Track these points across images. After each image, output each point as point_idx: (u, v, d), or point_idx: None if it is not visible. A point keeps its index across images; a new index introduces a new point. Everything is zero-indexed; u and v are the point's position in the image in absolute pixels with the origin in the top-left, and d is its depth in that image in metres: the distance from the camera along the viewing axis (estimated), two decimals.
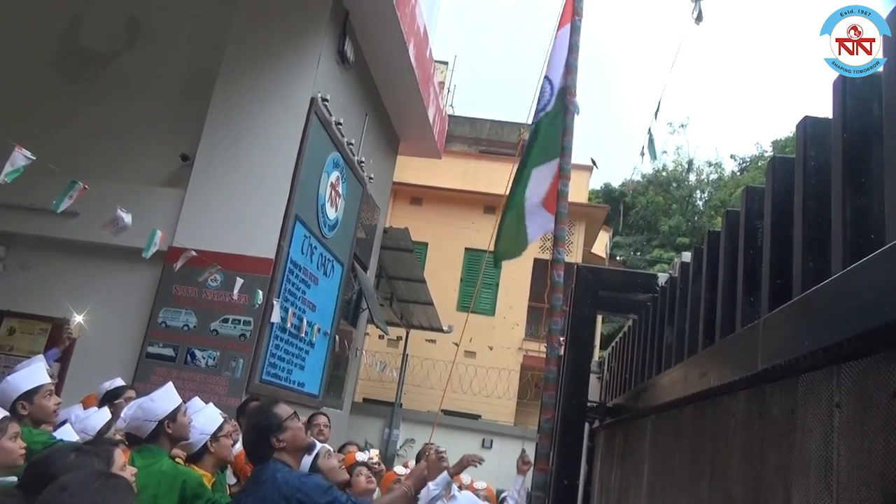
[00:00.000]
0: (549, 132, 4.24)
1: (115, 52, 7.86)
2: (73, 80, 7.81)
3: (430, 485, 4.19)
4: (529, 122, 4.57)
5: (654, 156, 5.02)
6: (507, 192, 4.43)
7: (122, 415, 3.73)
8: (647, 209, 27.93)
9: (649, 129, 4.86)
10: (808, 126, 1.21)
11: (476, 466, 4.15)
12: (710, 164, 30.73)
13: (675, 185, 29.56)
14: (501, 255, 4.54)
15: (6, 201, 6.70)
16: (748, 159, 30.19)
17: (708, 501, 1.54)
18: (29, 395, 3.42)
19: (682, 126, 32.65)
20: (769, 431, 1.21)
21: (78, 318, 5.70)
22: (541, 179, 4.23)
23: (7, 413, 3.14)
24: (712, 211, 26.84)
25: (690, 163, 30.45)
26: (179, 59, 7.68)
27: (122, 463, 2.43)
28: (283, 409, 2.93)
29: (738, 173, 29.60)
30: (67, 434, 3.47)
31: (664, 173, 29.66)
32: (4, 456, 2.76)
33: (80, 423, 3.79)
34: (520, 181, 4.31)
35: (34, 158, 3.25)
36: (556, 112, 4.23)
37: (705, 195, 29.97)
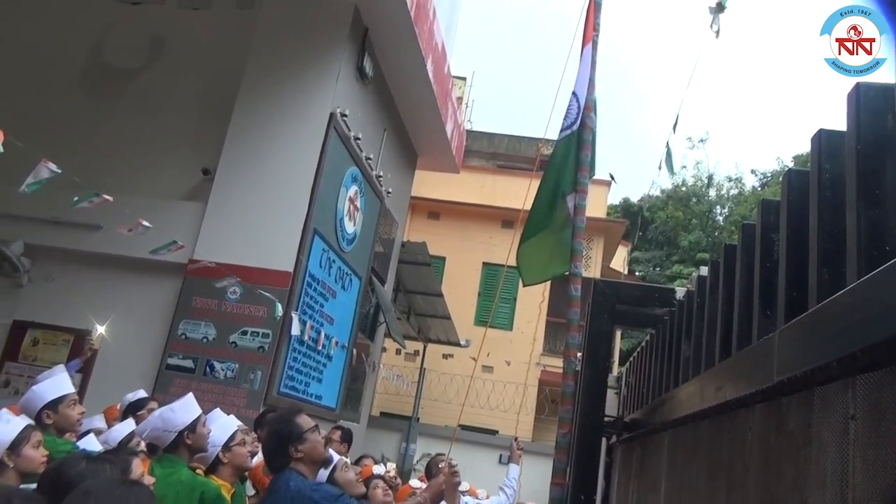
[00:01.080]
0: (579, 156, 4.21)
1: (138, 70, 8.01)
2: (97, 96, 7.98)
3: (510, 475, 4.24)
4: (546, 136, 4.55)
5: (671, 170, 5.01)
6: (531, 209, 4.34)
7: (142, 425, 3.77)
8: (666, 224, 27.76)
9: (667, 143, 4.86)
10: (823, 138, 1.22)
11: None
12: (730, 180, 30.55)
13: (694, 200, 29.38)
14: (536, 276, 4.41)
15: (31, 214, 6.84)
16: (769, 174, 29.93)
17: None
18: (54, 404, 3.47)
19: (702, 141, 32.54)
20: (785, 445, 1.21)
21: (100, 330, 5.78)
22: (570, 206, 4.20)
23: (31, 421, 3.20)
24: (732, 226, 26.61)
25: (710, 178, 30.28)
26: (201, 76, 7.81)
27: (139, 473, 2.46)
28: (305, 421, 2.95)
29: (759, 188, 29.34)
30: (91, 444, 3.52)
31: (684, 188, 29.51)
32: (26, 463, 2.80)
33: (104, 434, 3.83)
34: (553, 203, 4.21)
35: (59, 171, 3.32)
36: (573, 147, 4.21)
37: (725, 210, 29.75)
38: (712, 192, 30.32)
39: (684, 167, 29.24)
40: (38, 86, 7.90)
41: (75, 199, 3.83)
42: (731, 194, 30.29)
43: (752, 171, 32.02)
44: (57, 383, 3.56)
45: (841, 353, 0.95)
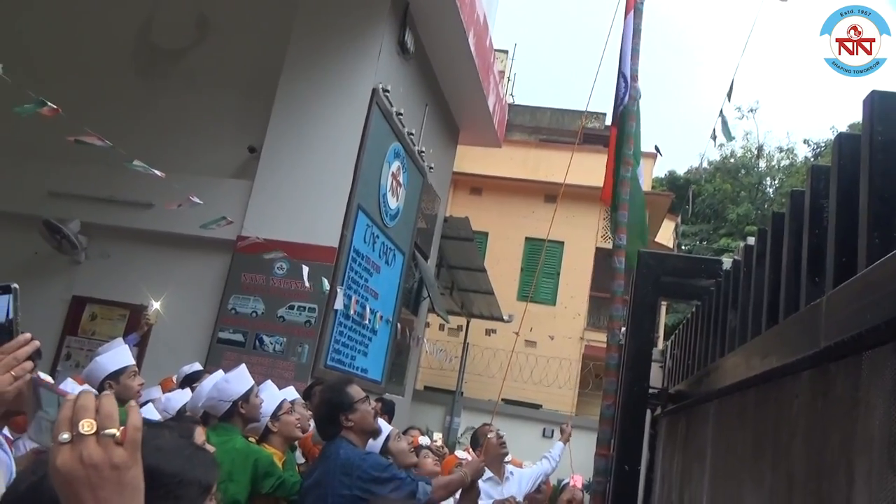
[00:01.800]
0: (636, 133, 4.21)
1: (185, 49, 8.17)
2: (146, 76, 8.17)
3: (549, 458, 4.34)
4: (589, 109, 4.53)
5: (728, 137, 4.90)
6: (616, 187, 4.33)
7: (196, 394, 3.91)
8: (714, 197, 27.14)
9: (721, 111, 4.74)
10: (875, 100, 1.19)
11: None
12: (781, 150, 29.63)
13: (743, 171, 28.62)
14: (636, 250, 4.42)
15: (87, 193, 7.09)
16: (823, 144, 28.89)
17: (770, 483, 1.53)
18: (115, 375, 3.64)
19: (752, 110, 31.45)
20: (832, 410, 1.21)
21: (155, 305, 5.99)
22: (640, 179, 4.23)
23: (95, 391, 3.36)
24: (783, 198, 25.85)
25: (760, 148, 29.42)
26: (246, 55, 7.92)
27: (202, 440, 2.57)
28: (356, 391, 3.04)
29: (812, 159, 28.40)
30: (150, 413, 3.67)
31: (732, 160, 28.74)
32: None
33: (162, 403, 3.99)
34: (631, 177, 4.22)
35: (111, 144, 3.44)
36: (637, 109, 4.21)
37: (776, 182, 28.92)
38: (762, 164, 29.49)
39: (733, 138, 28.45)
40: (89, 67, 8.11)
41: (132, 162, 3.96)
42: (781, 165, 29.41)
43: (805, 142, 30.98)
44: (118, 355, 3.73)
45: (890, 315, 0.95)
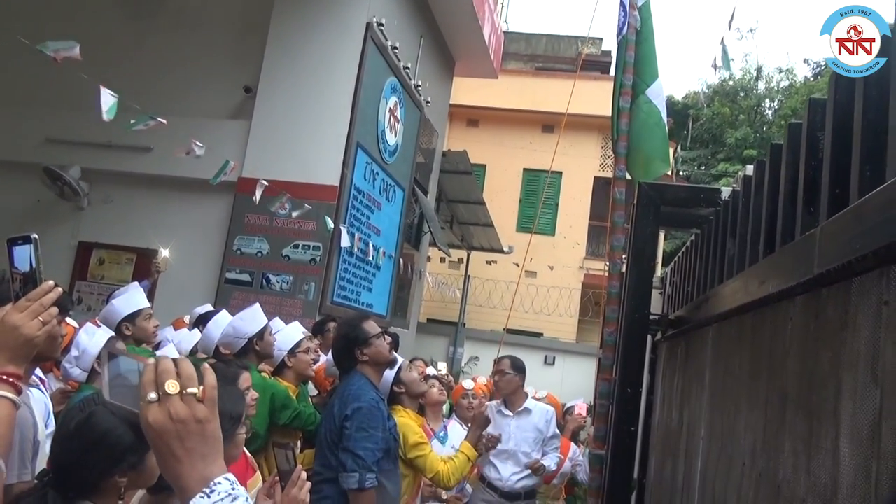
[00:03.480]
0: (641, 54, 4.17)
1: None
2: (135, 16, 7.98)
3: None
4: (590, 35, 4.48)
5: (727, 67, 4.88)
6: (619, 114, 4.29)
7: (207, 333, 4.03)
8: (712, 121, 26.86)
9: (722, 40, 4.70)
10: None
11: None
12: (780, 71, 29.09)
13: (742, 94, 28.21)
14: (649, 174, 4.36)
15: (86, 139, 7.06)
16: (823, 64, 28.37)
17: (765, 398, 1.65)
18: (132, 317, 3.76)
19: (751, 31, 30.85)
20: (823, 331, 1.30)
21: (164, 253, 6.07)
22: (659, 101, 4.19)
23: (113, 333, 3.48)
24: (782, 121, 25.59)
25: (759, 70, 28.90)
26: None
27: (246, 385, 2.71)
28: (371, 326, 3.16)
29: (812, 79, 27.95)
30: (170, 353, 3.81)
31: (731, 82, 28.28)
32: None
33: (178, 343, 4.13)
34: (638, 105, 4.18)
35: (117, 96, 3.45)
36: (642, 34, 4.16)
37: (775, 104, 28.54)
38: (761, 86, 29.02)
39: (732, 59, 27.90)
40: (77, 9, 7.93)
41: (131, 121, 3.97)
42: (781, 87, 28.93)
43: (805, 61, 30.35)
44: (133, 298, 3.83)
45: (877, 244, 1.03)
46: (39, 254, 1.49)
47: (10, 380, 1.38)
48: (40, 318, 1.44)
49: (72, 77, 4.12)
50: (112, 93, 3.47)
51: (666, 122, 4.37)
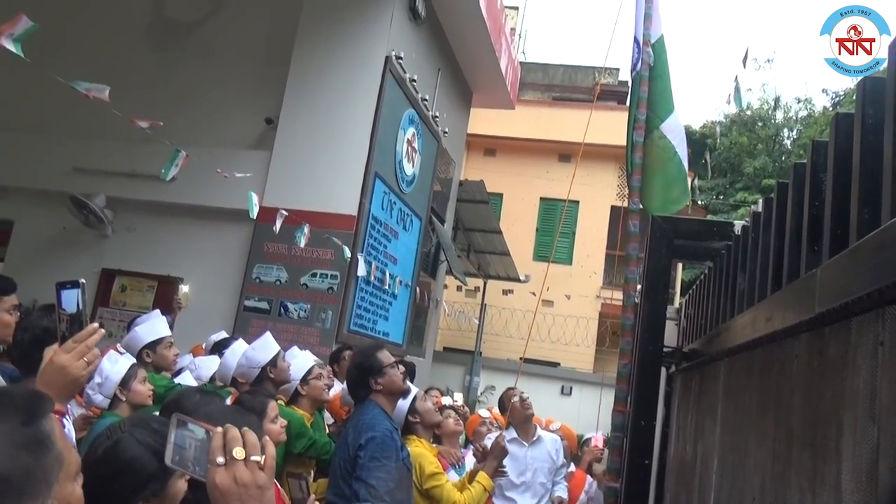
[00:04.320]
0: (655, 90, 4.23)
1: (199, 22, 8.21)
2: (162, 49, 8.23)
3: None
4: (605, 65, 4.56)
5: (739, 104, 4.94)
6: (635, 146, 4.33)
7: (224, 363, 4.09)
8: (730, 150, 26.82)
9: (736, 78, 4.76)
10: (867, 85, 1.28)
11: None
12: (799, 101, 29.07)
13: (760, 124, 28.19)
14: (664, 208, 4.37)
15: (111, 169, 7.25)
16: (842, 93, 28.29)
17: (773, 435, 1.67)
18: (153, 345, 3.83)
19: (768, 61, 30.86)
20: (826, 370, 1.33)
21: (185, 289, 6.20)
22: (675, 134, 4.23)
23: (134, 360, 3.56)
24: (801, 150, 25.50)
25: (777, 100, 28.90)
26: (259, 25, 7.96)
27: (274, 414, 2.77)
28: (385, 356, 3.20)
29: (831, 108, 27.86)
30: (186, 380, 3.87)
31: (748, 112, 28.27)
32: (136, 397, 3.15)
33: (196, 370, 4.19)
34: (652, 139, 4.22)
35: (147, 125, 3.58)
36: (656, 69, 4.22)
37: (794, 133, 28.47)
38: (779, 115, 28.99)
39: (749, 90, 27.91)
40: (106, 42, 8.19)
41: (164, 167, 4.12)
42: (799, 116, 28.89)
43: (824, 91, 30.35)
44: (155, 326, 3.91)
45: (872, 287, 1.06)
46: (86, 297, 1.60)
47: (56, 416, 1.46)
48: (85, 359, 1.53)
49: (99, 108, 4.25)
50: (143, 124, 3.61)
51: (684, 154, 4.39)
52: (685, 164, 4.29)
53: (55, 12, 7.98)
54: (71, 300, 1.59)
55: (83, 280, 1.60)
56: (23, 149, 7.74)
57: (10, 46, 2.86)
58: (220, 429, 1.05)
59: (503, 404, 4.81)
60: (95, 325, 1.57)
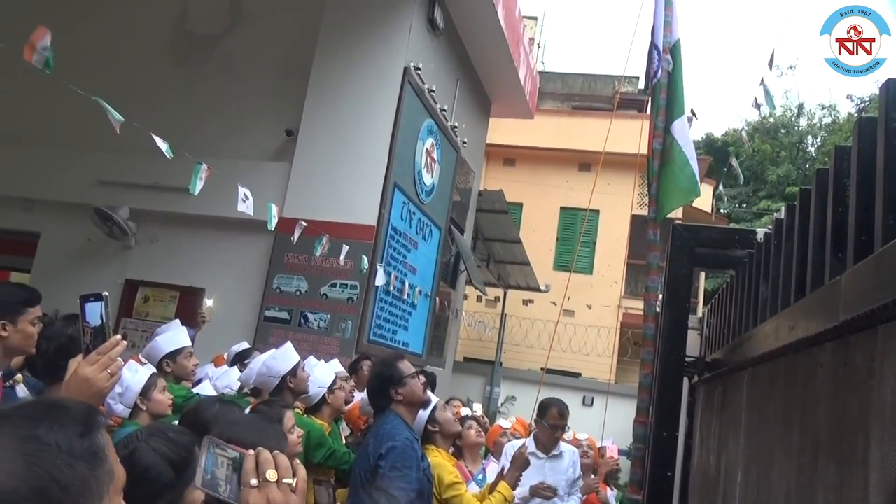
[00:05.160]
0: (671, 93, 4.20)
1: (219, 36, 8.32)
2: (183, 63, 8.36)
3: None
4: (625, 73, 4.51)
5: (771, 106, 4.86)
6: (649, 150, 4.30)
7: (247, 372, 4.12)
8: (752, 158, 26.55)
9: (762, 80, 4.69)
10: (891, 88, 1.25)
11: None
12: (823, 107, 28.75)
13: (783, 131, 27.91)
14: (669, 208, 4.35)
15: (135, 181, 7.36)
16: (867, 99, 27.91)
17: (798, 446, 1.63)
18: (173, 355, 3.86)
19: (791, 68, 30.51)
20: (852, 379, 1.30)
21: (209, 303, 6.25)
22: (682, 135, 4.19)
23: (155, 370, 3.58)
24: (825, 157, 25.15)
25: (800, 107, 28.59)
26: (279, 38, 8.04)
27: (290, 425, 2.78)
28: (406, 366, 3.19)
29: (856, 115, 27.47)
30: (206, 390, 3.90)
31: (771, 119, 28.01)
32: (156, 406, 3.17)
33: (215, 380, 4.22)
34: (666, 144, 4.20)
35: (167, 144, 3.62)
36: (672, 73, 4.19)
37: (818, 140, 28.13)
38: (803, 122, 28.68)
39: (775, 108, 27.61)
40: (130, 57, 8.33)
41: (191, 182, 4.19)
42: (823, 123, 28.56)
43: (848, 97, 30.03)
44: (175, 337, 3.94)
45: None
46: (109, 310, 1.62)
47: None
48: (108, 371, 1.56)
49: (123, 122, 4.33)
50: (162, 140, 3.65)
51: (691, 153, 4.31)
52: (692, 162, 4.22)
53: (79, 28, 8.15)
54: (95, 313, 1.61)
55: (106, 293, 1.62)
56: (49, 162, 7.89)
57: (39, 61, 2.91)
58: (251, 452, 1.08)
59: (543, 409, 4.66)
60: (118, 337, 1.60)
